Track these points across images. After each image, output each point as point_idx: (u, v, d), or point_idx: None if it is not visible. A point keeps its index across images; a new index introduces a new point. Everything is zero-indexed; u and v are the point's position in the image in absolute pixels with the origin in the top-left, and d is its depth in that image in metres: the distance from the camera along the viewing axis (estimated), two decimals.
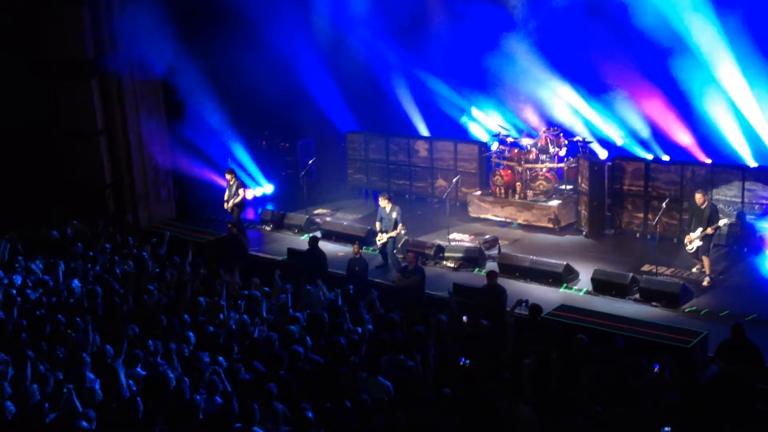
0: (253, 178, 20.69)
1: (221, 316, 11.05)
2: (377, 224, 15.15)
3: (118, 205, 18.14)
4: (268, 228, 18.23)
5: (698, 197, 13.77)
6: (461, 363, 9.03)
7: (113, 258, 13.68)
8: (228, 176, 17.25)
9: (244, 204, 17.48)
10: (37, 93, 17.36)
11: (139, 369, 9.13)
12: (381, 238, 14.94)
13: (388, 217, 14.88)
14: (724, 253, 15.06)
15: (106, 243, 14.85)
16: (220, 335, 10.29)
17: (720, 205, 15.10)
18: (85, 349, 9.67)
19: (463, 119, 20.50)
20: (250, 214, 19.47)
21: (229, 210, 17.22)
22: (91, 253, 14.00)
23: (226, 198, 17.19)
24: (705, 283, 13.70)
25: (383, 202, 15.05)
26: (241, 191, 17.13)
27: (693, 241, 13.67)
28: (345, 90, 21.23)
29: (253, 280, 12.73)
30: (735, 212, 15.10)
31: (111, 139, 17.94)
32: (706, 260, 13.79)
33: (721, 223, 13.66)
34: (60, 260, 13.19)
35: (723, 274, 14.14)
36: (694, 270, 14.13)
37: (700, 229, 13.59)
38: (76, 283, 12.43)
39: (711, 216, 13.58)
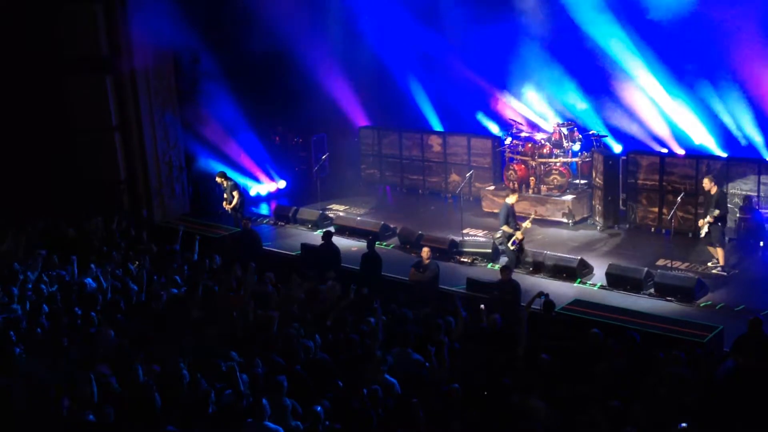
0: (266, 173, 20.74)
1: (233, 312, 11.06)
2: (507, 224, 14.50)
3: (133, 201, 18.21)
4: (281, 223, 18.26)
5: (706, 183, 14.07)
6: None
7: (128, 253, 13.73)
8: (218, 180, 17.21)
9: (242, 206, 17.45)
10: (51, 90, 17.43)
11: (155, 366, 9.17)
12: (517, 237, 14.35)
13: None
14: (738, 246, 14.97)
15: (120, 239, 14.91)
16: (236, 330, 10.32)
17: (735, 199, 15.06)
18: (101, 343, 9.73)
19: (477, 114, 20.44)
20: (262, 209, 19.51)
21: (230, 212, 17.20)
22: (105, 249, 14.06)
23: (225, 197, 17.20)
24: (715, 271, 13.81)
25: (513, 199, 14.70)
26: (235, 194, 17.12)
27: (704, 225, 13.84)
28: (358, 85, 21.21)
29: (267, 275, 12.75)
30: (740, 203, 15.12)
31: (125, 135, 18.00)
32: (720, 251, 13.87)
33: (716, 213, 13.73)
34: (75, 256, 13.24)
35: (738, 269, 14.04)
36: (710, 264, 14.07)
37: (708, 215, 13.80)
38: (90, 279, 12.48)
39: (719, 202, 13.80)
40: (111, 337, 10.07)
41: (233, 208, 17.12)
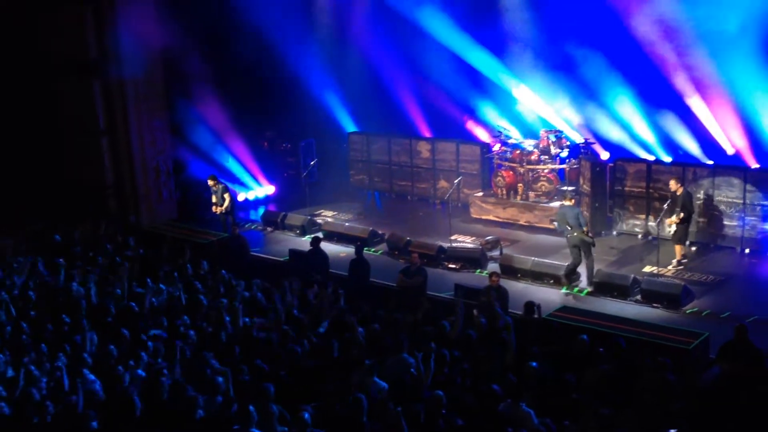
0: (255, 179, 20.71)
1: (226, 317, 11.02)
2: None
3: (120, 206, 18.13)
4: (269, 229, 18.23)
5: (672, 184, 14.63)
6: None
7: (114, 259, 13.67)
8: (210, 182, 17.18)
9: (233, 209, 17.41)
10: (39, 93, 17.39)
11: (140, 371, 9.13)
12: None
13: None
14: (725, 254, 15.07)
15: (107, 244, 14.85)
16: (222, 336, 10.28)
17: (722, 207, 15.17)
18: (86, 349, 9.68)
19: (466, 120, 20.49)
20: (251, 214, 19.48)
21: (220, 216, 17.16)
22: (91, 254, 13.99)
23: (214, 202, 17.15)
24: (671, 267, 14.30)
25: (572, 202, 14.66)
26: (226, 196, 17.09)
27: (671, 224, 14.36)
28: (347, 91, 21.25)
29: (254, 281, 12.72)
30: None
31: (113, 140, 17.94)
32: (679, 248, 14.46)
33: (683, 215, 14.22)
34: (61, 261, 13.18)
35: (724, 276, 14.13)
36: (670, 267, 14.39)
37: (674, 215, 14.27)
38: (76, 285, 12.41)
39: (684, 203, 14.29)
40: (96, 343, 10.02)
41: (224, 212, 17.08)
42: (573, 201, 14.86)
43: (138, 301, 11.59)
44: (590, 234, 14.23)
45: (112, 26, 17.24)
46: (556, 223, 14.87)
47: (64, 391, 8.55)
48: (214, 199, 17.19)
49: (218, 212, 17.17)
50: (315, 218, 18.28)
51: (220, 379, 8.47)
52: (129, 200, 18.22)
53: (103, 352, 9.61)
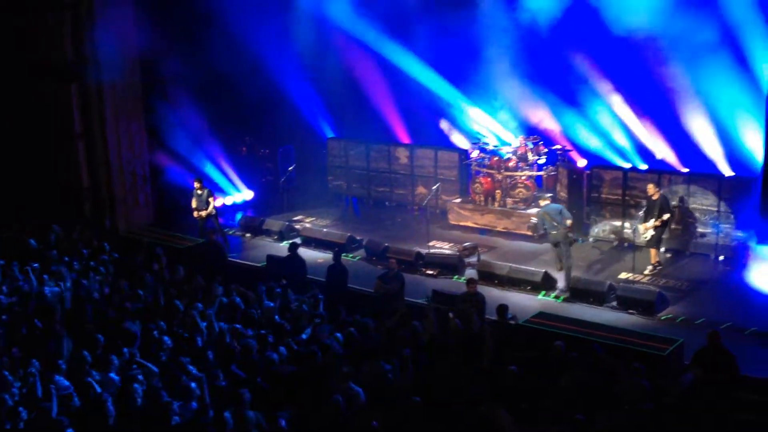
0: (233, 184, 20.63)
1: (202, 323, 10.97)
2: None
3: (96, 210, 17.99)
4: (247, 234, 18.16)
5: (650, 188, 14.72)
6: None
7: (89, 263, 13.55)
8: (196, 185, 17.05)
9: (215, 213, 17.32)
10: (16, 96, 17.25)
11: (113, 375, 9.06)
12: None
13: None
14: (699, 261, 15.23)
15: (83, 248, 14.72)
16: (198, 341, 10.23)
17: (696, 214, 15.33)
18: (60, 355, 9.58)
19: (444, 127, 20.55)
20: (229, 220, 19.40)
21: (201, 220, 16.99)
22: (66, 259, 13.87)
23: (195, 206, 16.98)
24: (647, 272, 14.41)
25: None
26: (211, 200, 17.01)
27: (647, 230, 14.44)
28: (326, 97, 21.24)
29: (232, 286, 12.67)
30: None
31: (89, 143, 17.81)
32: (654, 252, 14.62)
33: (665, 217, 14.38)
34: (36, 265, 13.05)
35: (698, 283, 14.27)
36: (645, 272, 14.52)
37: (652, 220, 14.35)
38: (48, 289, 12.29)
39: (662, 207, 14.39)
40: (70, 348, 9.93)
41: (205, 217, 16.93)
42: (549, 200, 15.07)
43: (113, 306, 11.51)
44: (572, 233, 14.40)
45: (90, 31, 17.15)
46: (536, 222, 14.90)
47: (38, 397, 8.46)
48: (194, 204, 17.04)
49: (199, 217, 17.02)
50: (293, 224, 18.23)
51: (194, 385, 8.43)
52: (105, 204, 18.09)
53: (77, 357, 9.52)
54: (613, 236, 16.32)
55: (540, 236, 16.67)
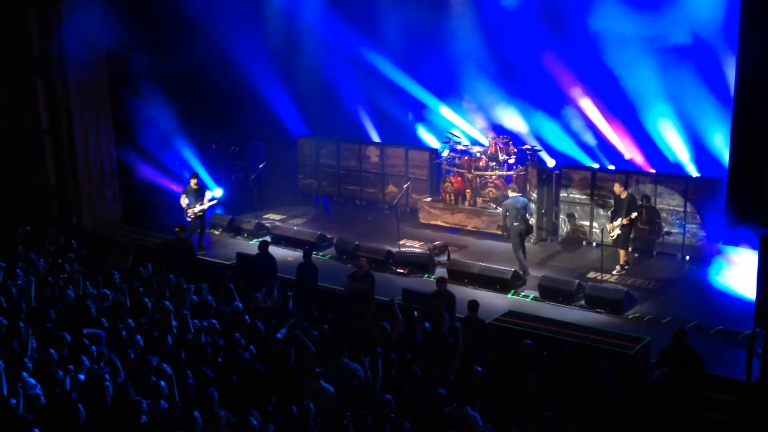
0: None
1: (173, 321, 10.87)
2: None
3: (63, 207, 17.75)
4: (217, 232, 18.04)
5: (616, 187, 15.02)
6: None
7: (56, 261, 13.37)
8: (192, 180, 16.79)
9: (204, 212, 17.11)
10: None
11: (80, 374, 8.94)
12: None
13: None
14: (666, 260, 15.43)
15: (49, 246, 14.52)
16: (167, 340, 10.13)
17: (663, 214, 15.52)
18: (26, 353, 9.43)
19: (415, 125, 20.59)
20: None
21: (192, 217, 16.66)
22: (33, 256, 13.67)
23: (187, 204, 16.69)
24: (615, 272, 14.65)
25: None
26: (207, 193, 16.86)
27: (614, 229, 14.69)
28: (296, 94, 21.15)
29: (201, 285, 12.57)
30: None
31: (55, 140, 17.58)
32: (623, 252, 14.83)
33: (633, 215, 14.65)
34: (2, 263, 12.83)
35: (664, 282, 14.45)
36: (614, 272, 14.71)
37: (620, 219, 14.63)
38: (15, 288, 12.10)
39: (629, 206, 14.66)
40: (35, 346, 9.78)
41: (202, 212, 16.69)
42: (518, 192, 15.30)
43: (80, 304, 11.36)
44: (529, 230, 14.92)
45: (56, 25, 16.91)
46: (506, 216, 15.01)
47: (3, 395, 8.32)
48: (185, 201, 16.74)
49: (191, 214, 16.72)
50: (263, 222, 18.16)
51: (163, 383, 8.35)
52: (72, 201, 17.86)
53: (43, 355, 9.38)
54: (581, 236, 16.48)
55: (509, 235, 16.79)
